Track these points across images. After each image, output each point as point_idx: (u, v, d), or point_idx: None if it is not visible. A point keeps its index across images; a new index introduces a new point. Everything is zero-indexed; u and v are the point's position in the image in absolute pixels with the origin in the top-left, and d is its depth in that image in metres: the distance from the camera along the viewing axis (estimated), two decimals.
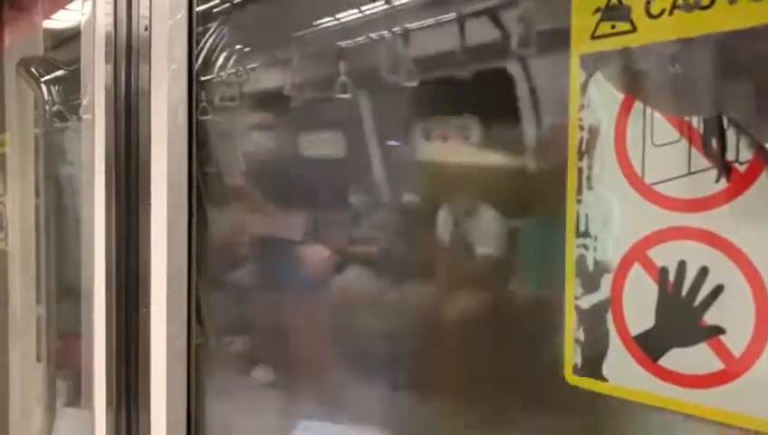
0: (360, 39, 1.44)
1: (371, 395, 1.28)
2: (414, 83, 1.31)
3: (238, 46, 1.70)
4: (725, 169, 0.64)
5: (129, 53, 1.54)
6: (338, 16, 1.50)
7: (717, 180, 0.65)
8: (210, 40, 1.67)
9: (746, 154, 0.63)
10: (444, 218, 1.20)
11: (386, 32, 1.37)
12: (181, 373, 1.43)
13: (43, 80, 2.04)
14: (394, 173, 1.34)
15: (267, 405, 1.57)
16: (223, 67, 1.69)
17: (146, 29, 1.46)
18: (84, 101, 1.67)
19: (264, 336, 1.63)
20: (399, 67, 1.34)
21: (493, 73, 1.05)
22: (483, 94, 1.06)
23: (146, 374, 1.46)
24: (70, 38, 1.89)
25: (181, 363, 1.43)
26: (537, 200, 0.96)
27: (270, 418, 1.57)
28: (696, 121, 0.66)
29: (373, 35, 1.42)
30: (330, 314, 1.48)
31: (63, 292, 2.04)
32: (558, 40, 0.76)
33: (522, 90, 0.99)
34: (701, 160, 0.66)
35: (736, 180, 0.64)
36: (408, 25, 1.35)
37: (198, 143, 1.48)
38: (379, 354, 1.29)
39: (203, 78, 1.60)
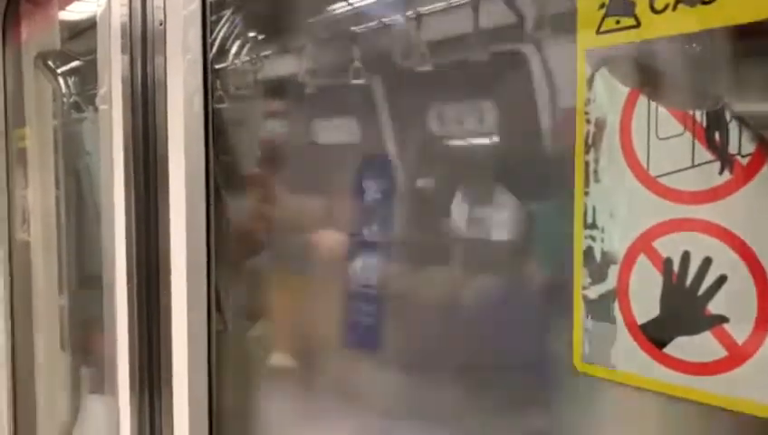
0: (373, 24, 1.46)
1: (386, 380, 1.31)
2: (428, 67, 1.32)
3: (252, 34, 1.72)
4: (728, 161, 0.66)
5: (144, 43, 1.57)
6: (350, 1, 1.51)
7: (720, 173, 0.67)
8: (224, 29, 1.69)
9: (748, 147, 0.65)
10: (458, 203, 1.22)
11: (399, 16, 1.39)
12: (202, 359, 1.46)
13: (59, 72, 2.07)
14: (409, 158, 1.36)
15: (286, 389, 1.61)
16: (237, 55, 1.71)
17: (161, 23, 1.48)
18: (101, 92, 1.70)
19: (282, 322, 1.66)
20: (413, 51, 1.35)
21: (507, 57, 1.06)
22: (497, 78, 1.07)
23: (168, 361, 1.50)
24: (85, 29, 1.92)
25: (202, 350, 1.47)
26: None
27: (289, 402, 1.61)
28: (699, 115, 0.68)
29: (386, 20, 1.44)
30: (346, 299, 1.51)
31: (86, 281, 2.09)
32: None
33: (536, 73, 1.01)
34: (704, 153, 0.68)
35: (739, 173, 0.66)
36: (420, 9, 1.37)
37: (214, 131, 1.51)
38: (394, 339, 1.32)
39: (217, 66, 1.63)
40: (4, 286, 2.10)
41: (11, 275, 2.09)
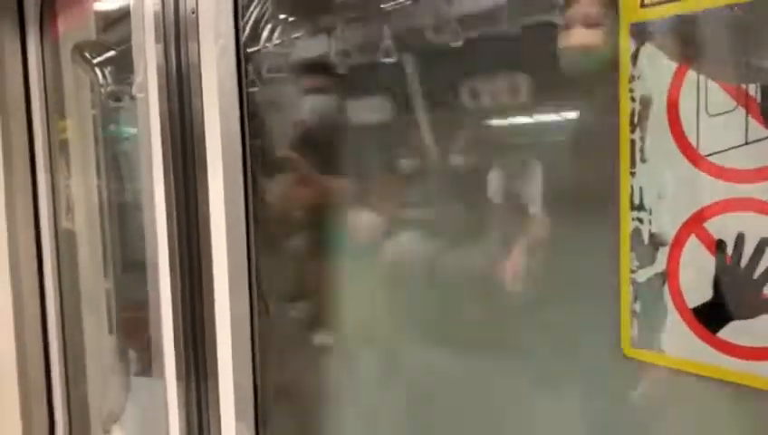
0: (404, 0, 1.43)
1: (429, 357, 1.30)
2: (459, 43, 1.29)
3: (282, 16, 1.70)
4: None
5: (177, 31, 1.56)
6: None
7: None
8: (255, 12, 1.67)
9: None
10: (495, 180, 1.20)
11: None
12: (246, 343, 1.47)
13: (96, 62, 2.08)
14: (442, 136, 1.34)
15: (329, 369, 1.61)
16: (269, 38, 1.70)
17: (193, 10, 1.47)
18: (137, 81, 1.70)
19: (323, 302, 1.66)
20: (445, 26, 1.32)
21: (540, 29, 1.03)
22: (531, 51, 1.04)
23: (212, 345, 1.51)
24: (120, 19, 1.92)
25: (245, 333, 1.47)
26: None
27: (331, 380, 1.61)
28: (753, 89, 0.64)
29: None
30: (385, 278, 1.50)
31: (130, 266, 2.11)
32: None
33: None
34: (759, 129, 0.64)
35: None
36: None
37: (249, 115, 1.50)
38: (435, 318, 1.30)
39: (250, 50, 1.61)
40: (52, 274, 2.14)
41: (58, 263, 2.13)
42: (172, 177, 1.58)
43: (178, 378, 1.59)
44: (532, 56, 1.05)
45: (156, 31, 1.56)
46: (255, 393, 1.48)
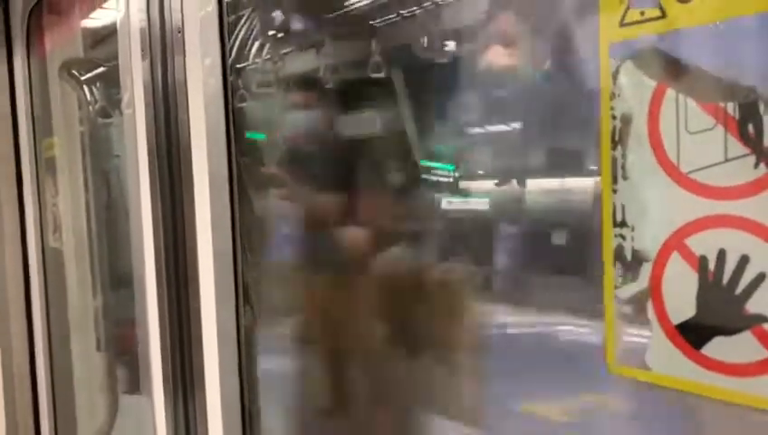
0: (392, 17, 1.43)
1: (426, 378, 1.29)
2: (445, 60, 1.29)
3: (271, 33, 1.70)
4: (764, 154, 0.62)
5: (164, 47, 1.55)
6: None
7: (756, 166, 0.63)
8: (243, 28, 1.67)
9: None
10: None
11: (416, 8, 1.35)
12: (232, 357, 1.46)
13: (83, 78, 2.07)
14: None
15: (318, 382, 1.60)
16: (257, 54, 1.69)
17: (179, 29, 1.47)
18: (125, 97, 1.69)
19: (311, 317, 1.65)
20: (433, 43, 1.32)
21: None
22: None
23: (200, 360, 1.50)
24: (107, 36, 1.91)
25: (232, 347, 1.46)
26: None
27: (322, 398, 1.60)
28: (731, 107, 0.64)
29: (404, 12, 1.40)
30: (375, 294, 1.49)
31: (118, 281, 2.09)
32: None
33: None
34: (738, 147, 0.64)
35: None
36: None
37: (238, 130, 1.49)
38: (427, 335, 1.30)
39: (238, 66, 1.61)
40: (39, 293, 2.11)
41: (45, 282, 2.11)
42: (159, 193, 1.57)
43: (166, 394, 1.57)
44: None
45: (142, 47, 1.55)
46: (243, 408, 1.47)
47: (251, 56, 1.73)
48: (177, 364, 1.56)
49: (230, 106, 1.48)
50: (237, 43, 1.63)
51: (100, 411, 2.16)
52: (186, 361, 1.54)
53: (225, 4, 1.47)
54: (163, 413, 1.58)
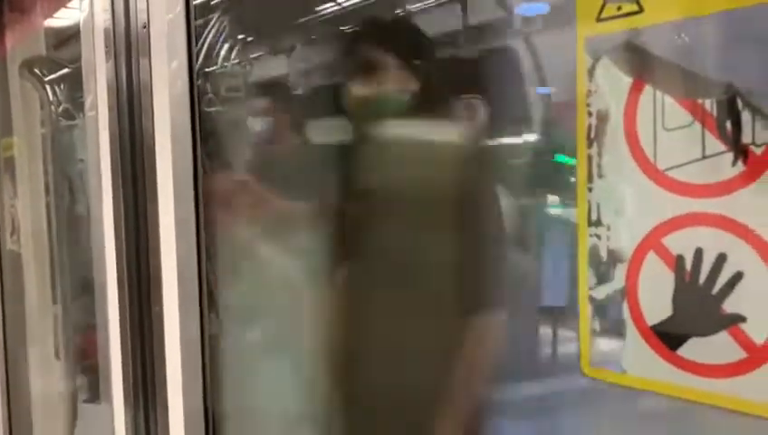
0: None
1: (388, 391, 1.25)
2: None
3: (240, 36, 1.67)
4: (741, 151, 0.61)
5: (128, 49, 1.51)
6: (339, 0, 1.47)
7: (733, 164, 0.61)
8: (212, 32, 1.64)
9: (763, 136, 0.60)
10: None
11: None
12: (196, 366, 1.41)
13: (47, 79, 2.00)
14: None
15: (288, 393, 1.56)
16: (226, 58, 1.66)
17: (144, 25, 1.42)
18: (88, 99, 1.64)
19: (280, 324, 1.61)
20: None
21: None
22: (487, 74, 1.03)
23: (162, 368, 1.45)
24: (72, 36, 1.86)
25: (196, 356, 1.41)
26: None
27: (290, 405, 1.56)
28: (708, 104, 0.62)
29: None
30: (341, 302, 1.46)
31: (79, 288, 2.02)
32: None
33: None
34: (715, 144, 0.62)
35: (753, 163, 0.60)
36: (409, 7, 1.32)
37: (206, 134, 1.46)
38: (396, 348, 1.27)
39: (207, 69, 1.57)
40: None
41: (1, 286, 2.02)
42: (121, 197, 1.52)
43: (126, 402, 1.52)
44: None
45: (106, 47, 1.50)
46: (207, 417, 1.42)
47: (219, 60, 1.70)
48: (138, 372, 1.50)
49: (196, 110, 1.45)
50: (206, 46, 1.59)
51: (58, 421, 2.08)
52: (147, 368, 1.49)
53: (192, 7, 1.44)
54: (123, 422, 1.52)
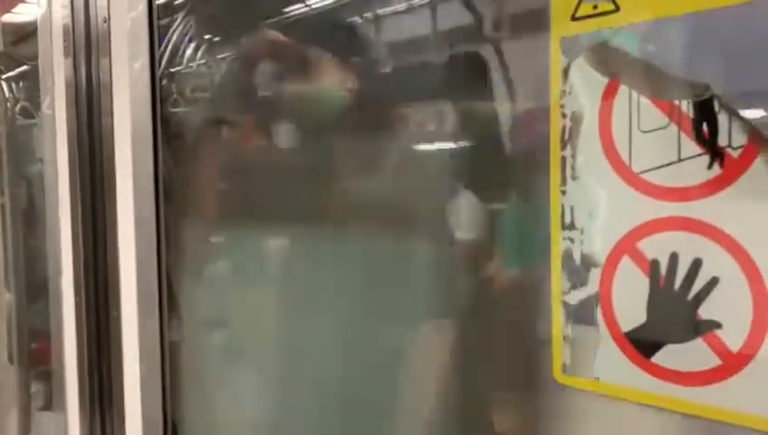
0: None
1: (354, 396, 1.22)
2: (387, 69, 1.24)
3: (207, 36, 1.62)
4: (718, 154, 0.59)
5: (88, 46, 1.46)
6: (309, 3, 1.43)
7: (710, 167, 0.59)
8: (178, 30, 1.59)
9: (740, 138, 0.58)
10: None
11: (357, 17, 1.30)
12: (155, 373, 1.36)
13: (4, 76, 1.93)
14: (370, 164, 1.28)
15: (250, 400, 1.51)
16: (192, 58, 1.61)
17: (105, 20, 1.37)
18: (46, 97, 1.58)
19: (244, 329, 1.56)
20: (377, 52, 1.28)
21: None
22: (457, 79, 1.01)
23: (119, 375, 1.39)
24: (30, 32, 1.79)
25: (155, 362, 1.36)
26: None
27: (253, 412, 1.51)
28: (685, 105, 0.60)
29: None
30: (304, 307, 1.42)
31: (35, 291, 1.95)
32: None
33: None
34: (692, 146, 0.60)
35: (730, 166, 0.58)
36: (380, 11, 1.29)
37: (171, 135, 1.41)
38: (354, 353, 1.23)
39: (172, 70, 1.53)
40: None
41: None
42: (79, 199, 1.47)
43: (82, 411, 1.46)
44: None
45: (65, 43, 1.45)
46: (166, 425, 1.37)
47: (185, 60, 1.65)
48: (94, 378, 1.44)
49: (158, 111, 1.40)
50: (171, 46, 1.54)
51: (10, 430, 2.00)
52: (104, 375, 1.43)
53: (156, 6, 1.39)
54: (78, 431, 1.46)
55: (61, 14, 1.46)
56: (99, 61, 1.44)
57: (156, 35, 1.40)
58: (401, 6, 1.20)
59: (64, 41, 1.44)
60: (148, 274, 1.34)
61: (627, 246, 0.64)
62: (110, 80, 1.40)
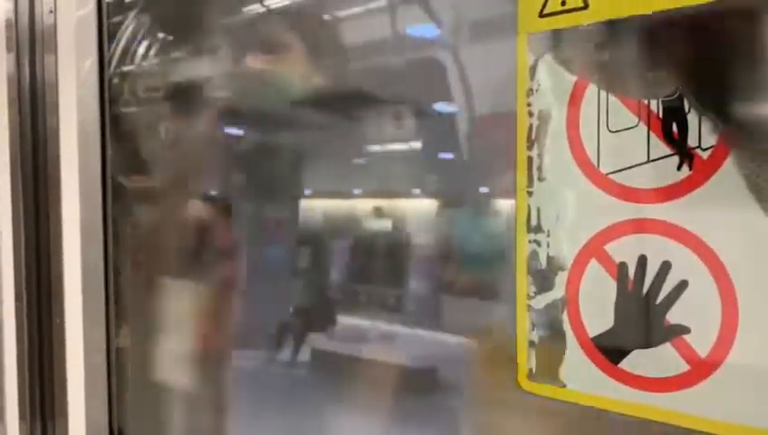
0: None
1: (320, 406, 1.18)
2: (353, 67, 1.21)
3: (161, 35, 1.57)
4: (688, 155, 0.57)
5: (32, 41, 1.38)
6: (265, 3, 1.39)
7: (679, 168, 0.57)
8: (130, 29, 1.52)
9: (710, 139, 0.56)
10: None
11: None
12: (101, 383, 1.29)
13: None
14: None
15: (199, 408, 1.45)
16: (144, 57, 1.55)
17: (51, 11, 1.30)
18: None
19: (193, 334, 1.50)
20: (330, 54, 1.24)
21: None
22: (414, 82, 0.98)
23: (62, 385, 1.32)
24: None
25: (100, 371, 1.29)
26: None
27: (202, 420, 1.45)
28: (654, 105, 0.58)
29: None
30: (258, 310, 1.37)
31: None
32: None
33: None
34: (661, 147, 0.58)
35: (699, 168, 0.56)
36: (338, 13, 1.26)
37: (122, 136, 1.35)
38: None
39: (124, 69, 1.46)
40: None
41: None
42: (21, 201, 1.39)
43: (21, 419, 1.38)
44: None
45: (7, 38, 1.37)
46: (112, 433, 1.30)
47: (137, 59, 1.58)
48: (35, 388, 1.36)
49: (106, 111, 1.34)
50: (122, 44, 1.48)
51: None
52: (46, 384, 1.36)
53: (105, 4, 1.33)
54: None
55: (4, 7, 1.38)
56: (44, 57, 1.37)
57: (105, 33, 1.35)
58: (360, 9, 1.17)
59: (7, 34, 1.37)
60: (95, 278, 1.28)
61: (594, 248, 0.61)
62: (56, 77, 1.34)
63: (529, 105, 0.64)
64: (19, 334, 1.38)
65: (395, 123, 1.09)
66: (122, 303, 1.35)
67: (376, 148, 1.14)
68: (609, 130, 0.60)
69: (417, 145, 1.09)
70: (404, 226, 1.04)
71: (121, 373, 1.32)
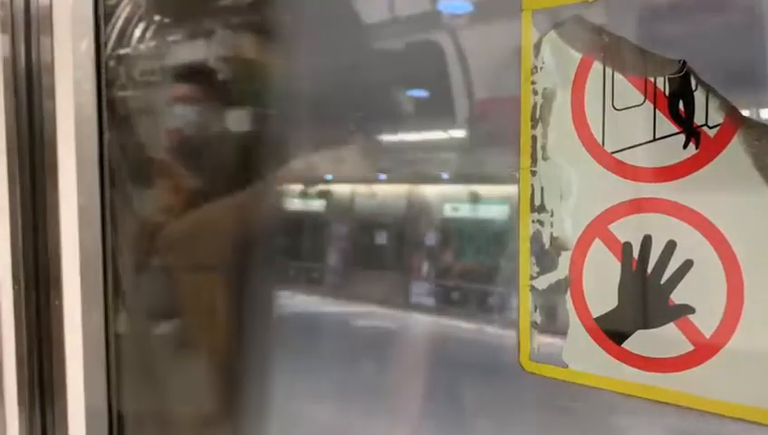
0: None
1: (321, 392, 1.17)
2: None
3: (157, 17, 1.54)
4: (694, 133, 0.56)
5: (28, 22, 1.36)
6: None
7: (685, 146, 0.56)
8: (127, 10, 1.50)
9: (716, 117, 0.55)
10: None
11: None
12: (99, 364, 1.28)
13: None
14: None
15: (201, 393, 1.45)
16: (141, 40, 1.53)
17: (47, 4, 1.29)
18: None
19: (193, 320, 1.49)
20: None
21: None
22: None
23: (61, 368, 1.31)
24: None
25: (99, 354, 1.28)
26: None
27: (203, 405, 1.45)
28: (661, 82, 0.57)
29: None
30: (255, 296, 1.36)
31: None
32: None
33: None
34: (667, 125, 0.57)
35: (706, 146, 0.55)
36: None
37: (119, 119, 1.33)
38: (316, 346, 1.18)
39: (120, 52, 1.44)
40: None
41: None
42: (18, 184, 1.37)
43: (20, 403, 1.37)
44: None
45: (2, 21, 1.35)
46: (111, 417, 1.29)
47: (133, 42, 1.56)
48: (34, 370, 1.35)
49: (103, 93, 1.32)
50: (118, 27, 1.46)
51: None
52: (45, 366, 1.35)
53: None
54: (17, 424, 1.37)
55: None
56: (39, 39, 1.35)
57: (102, 15, 1.33)
58: None
59: (2, 15, 1.34)
60: (93, 260, 1.27)
61: (598, 228, 0.60)
62: (52, 60, 1.32)
63: (533, 83, 0.63)
64: (17, 317, 1.36)
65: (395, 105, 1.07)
66: (121, 286, 1.34)
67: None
68: (615, 109, 0.59)
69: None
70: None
71: (121, 357, 1.31)
